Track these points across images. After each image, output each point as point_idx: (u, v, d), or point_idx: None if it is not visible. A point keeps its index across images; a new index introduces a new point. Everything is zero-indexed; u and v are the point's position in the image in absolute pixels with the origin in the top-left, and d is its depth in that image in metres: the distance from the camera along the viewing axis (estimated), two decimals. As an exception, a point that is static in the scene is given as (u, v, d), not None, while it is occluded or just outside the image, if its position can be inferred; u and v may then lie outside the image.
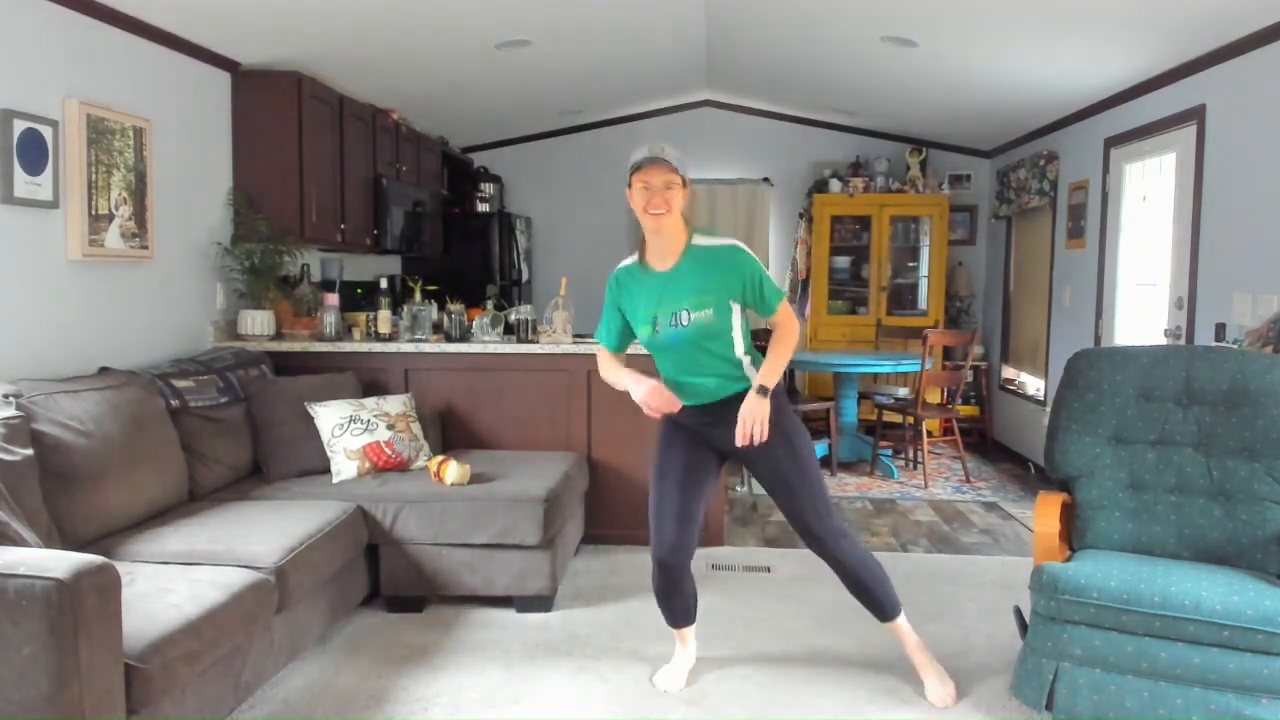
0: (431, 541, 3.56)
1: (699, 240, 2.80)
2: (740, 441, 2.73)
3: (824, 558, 2.95)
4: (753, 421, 2.71)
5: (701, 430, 2.91)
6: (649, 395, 2.75)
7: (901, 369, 6.21)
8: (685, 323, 2.75)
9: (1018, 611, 2.97)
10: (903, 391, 6.79)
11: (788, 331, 2.83)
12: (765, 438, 2.73)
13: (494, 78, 5.68)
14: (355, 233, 5.20)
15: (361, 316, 4.69)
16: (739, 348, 2.83)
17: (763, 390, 2.74)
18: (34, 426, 2.82)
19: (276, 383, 4.04)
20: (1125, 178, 5.30)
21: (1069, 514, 3.07)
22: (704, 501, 2.93)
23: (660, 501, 2.88)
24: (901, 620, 3.03)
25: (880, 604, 2.99)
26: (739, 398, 2.80)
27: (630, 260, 2.91)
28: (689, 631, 3.10)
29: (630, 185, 2.74)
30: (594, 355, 4.34)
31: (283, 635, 2.93)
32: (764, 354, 2.85)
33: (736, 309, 2.80)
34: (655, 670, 3.14)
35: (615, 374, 2.91)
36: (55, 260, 3.38)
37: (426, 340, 4.45)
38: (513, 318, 4.56)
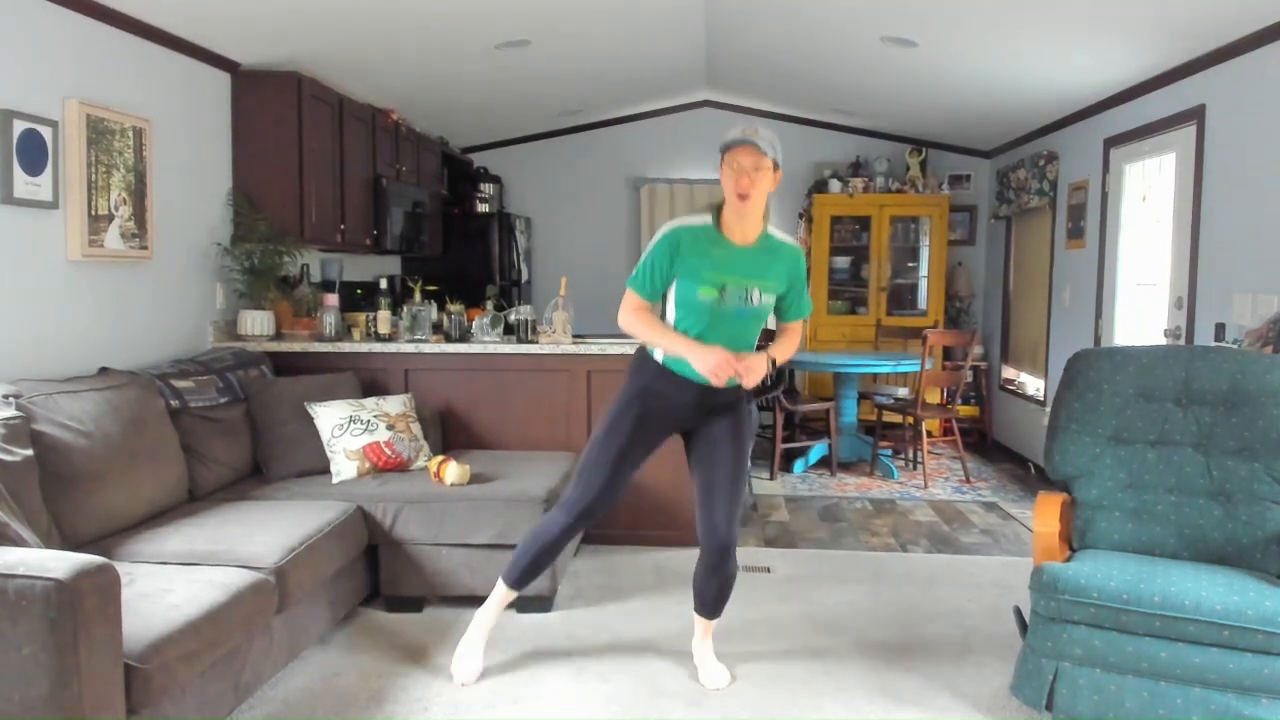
0: (431, 541, 3.56)
1: (772, 231, 2.89)
2: (722, 372, 2.72)
3: (708, 547, 2.93)
4: (748, 369, 2.74)
5: (676, 409, 2.91)
6: (721, 363, 2.71)
7: (901, 369, 6.21)
8: (755, 302, 2.81)
9: (1018, 611, 2.97)
10: (903, 391, 6.79)
11: (796, 337, 3.01)
12: (748, 386, 2.80)
13: (494, 78, 5.68)
14: (355, 233, 5.20)
15: (361, 317, 4.69)
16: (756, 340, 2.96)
17: (772, 362, 2.83)
18: (34, 427, 2.82)
19: (276, 383, 4.04)
20: (1125, 178, 5.30)
21: (1069, 514, 3.07)
22: (635, 473, 3.00)
23: (603, 455, 2.90)
24: (714, 623, 3.13)
25: (719, 607, 3.06)
26: (736, 386, 2.87)
27: (699, 220, 2.85)
28: (510, 596, 3.11)
29: (722, 162, 2.77)
30: (594, 355, 4.38)
31: (283, 635, 2.93)
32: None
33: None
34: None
35: (661, 335, 2.83)
36: (55, 260, 3.38)
37: (426, 340, 4.46)
38: (513, 318, 4.56)
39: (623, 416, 2.91)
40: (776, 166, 2.76)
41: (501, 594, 3.12)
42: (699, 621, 3.12)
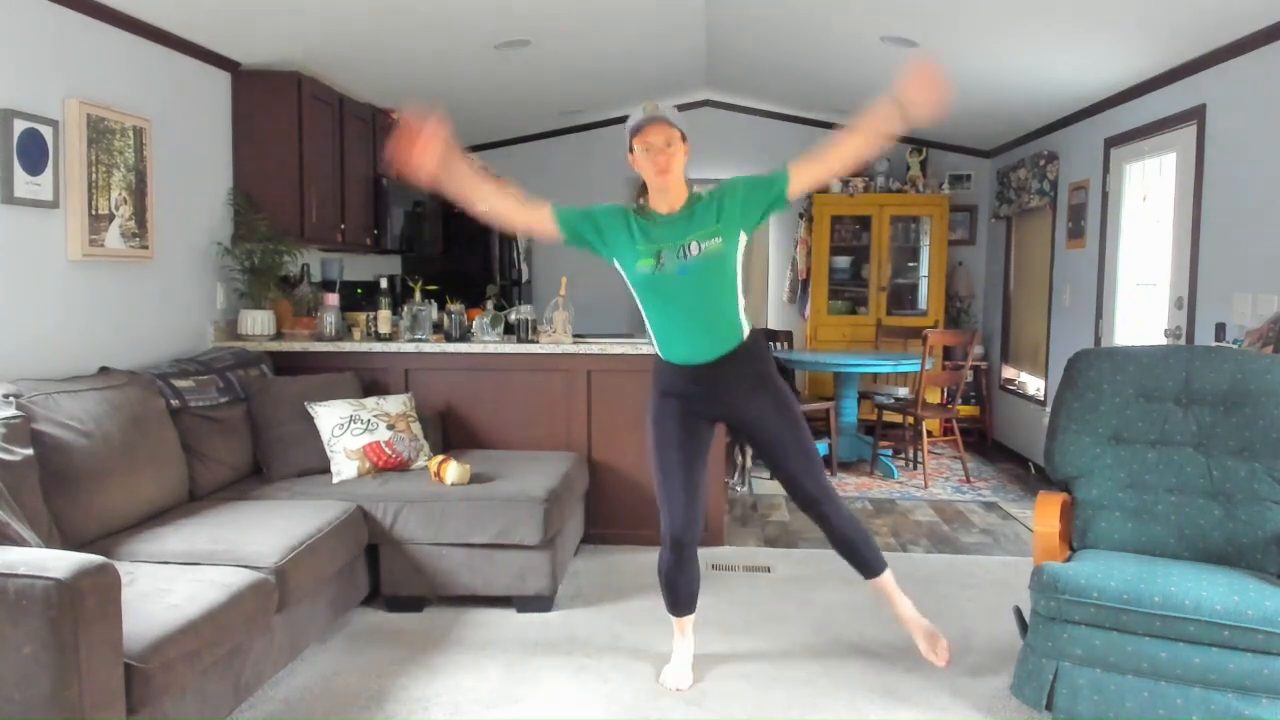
0: (431, 541, 3.56)
1: (698, 190, 2.86)
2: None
3: (814, 517, 2.98)
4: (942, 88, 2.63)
5: (694, 399, 2.90)
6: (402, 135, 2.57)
7: (901, 369, 6.21)
8: (695, 253, 2.75)
9: (1018, 611, 2.97)
10: (903, 391, 6.79)
11: (822, 149, 2.81)
12: (923, 104, 2.69)
13: (494, 78, 5.68)
14: (355, 233, 5.20)
15: (361, 316, 4.69)
16: (740, 304, 2.85)
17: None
18: (34, 426, 2.82)
19: (276, 383, 4.04)
20: (1125, 178, 5.30)
21: (1069, 514, 3.07)
22: (706, 470, 2.97)
23: (667, 478, 2.89)
24: (887, 576, 3.07)
25: (867, 560, 3.04)
26: (731, 358, 2.83)
27: (624, 206, 2.88)
28: (689, 621, 3.11)
29: (631, 149, 2.77)
30: (594, 355, 4.38)
31: (283, 635, 2.93)
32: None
33: (741, 245, 2.80)
34: (657, 669, 3.14)
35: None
36: (55, 260, 3.38)
37: (426, 340, 4.46)
38: (513, 318, 4.56)
39: (659, 426, 2.94)
40: (684, 137, 2.78)
41: (676, 623, 3.12)
42: (878, 590, 3.11)
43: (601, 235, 2.85)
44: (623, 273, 2.87)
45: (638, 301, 2.89)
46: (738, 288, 2.84)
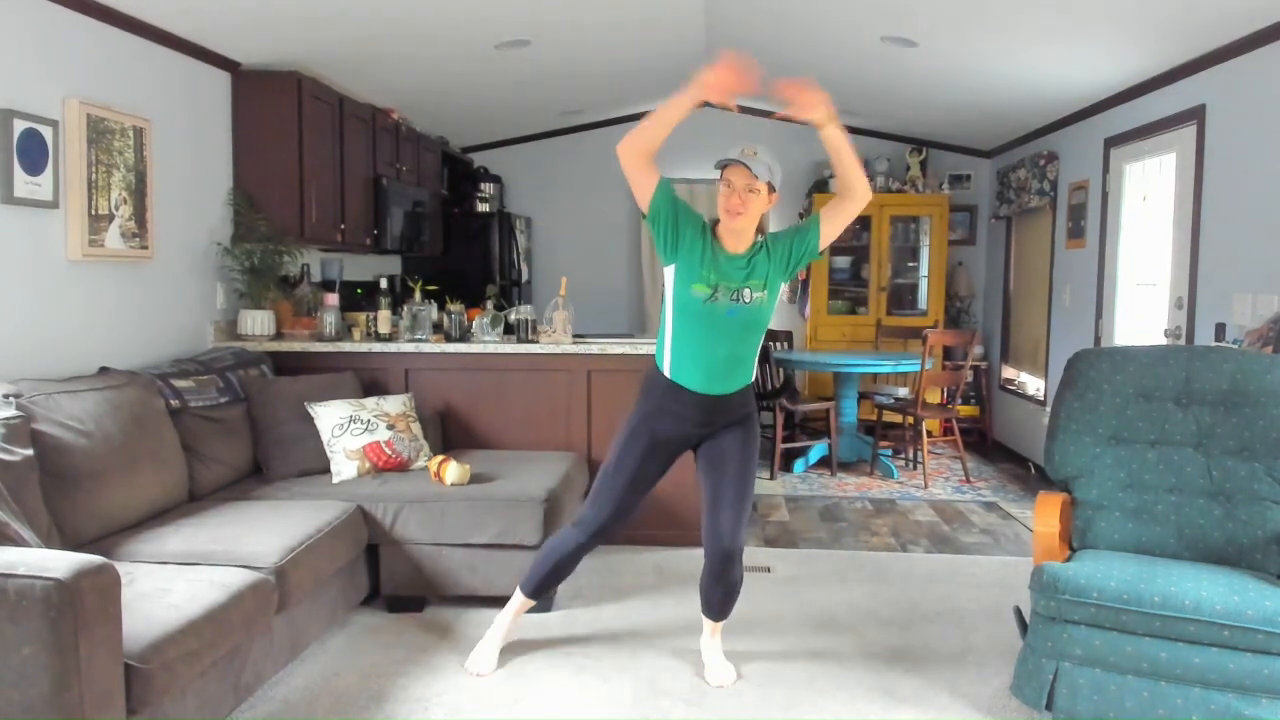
0: (431, 541, 3.56)
1: (764, 239, 2.90)
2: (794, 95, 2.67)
3: (714, 555, 2.94)
4: (816, 95, 2.69)
5: (687, 423, 2.93)
6: (718, 69, 2.60)
7: (901, 369, 6.21)
8: (748, 300, 2.81)
9: (1018, 611, 2.97)
10: (903, 391, 6.79)
11: (841, 189, 2.87)
12: (804, 108, 2.71)
13: (494, 78, 5.68)
14: (355, 233, 5.19)
15: (361, 316, 4.69)
16: (758, 351, 2.96)
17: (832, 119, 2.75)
18: (34, 426, 2.82)
19: (276, 383, 4.04)
20: (1125, 178, 5.30)
21: (1069, 514, 3.07)
22: (648, 494, 3.05)
23: (616, 477, 2.98)
24: (721, 625, 3.15)
25: (725, 610, 3.10)
26: (735, 395, 2.92)
27: (700, 215, 2.91)
28: (525, 605, 3.21)
29: (720, 177, 2.82)
30: (594, 355, 4.38)
31: (283, 635, 2.93)
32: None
33: (779, 296, 2.90)
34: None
35: (659, 111, 2.71)
36: (55, 260, 3.38)
37: (426, 340, 4.45)
38: (513, 318, 4.56)
39: (632, 444, 2.96)
40: (772, 189, 2.81)
41: (519, 602, 3.20)
42: (707, 623, 3.15)
43: (679, 231, 2.83)
44: (670, 284, 2.88)
45: (669, 316, 2.89)
46: (762, 338, 2.95)
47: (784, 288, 2.98)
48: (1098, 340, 5.51)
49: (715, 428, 2.95)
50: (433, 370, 4.46)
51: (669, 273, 2.87)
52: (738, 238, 2.84)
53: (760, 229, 2.89)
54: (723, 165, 2.79)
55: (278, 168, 4.55)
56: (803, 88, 2.68)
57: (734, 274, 2.82)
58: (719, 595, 3.04)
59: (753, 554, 4.43)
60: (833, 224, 2.86)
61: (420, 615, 3.62)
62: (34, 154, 3.20)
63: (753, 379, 2.99)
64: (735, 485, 2.92)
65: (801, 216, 7.73)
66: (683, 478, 4.28)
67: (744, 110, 7.63)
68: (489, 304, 4.77)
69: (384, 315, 4.51)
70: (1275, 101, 3.85)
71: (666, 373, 2.92)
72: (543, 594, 3.21)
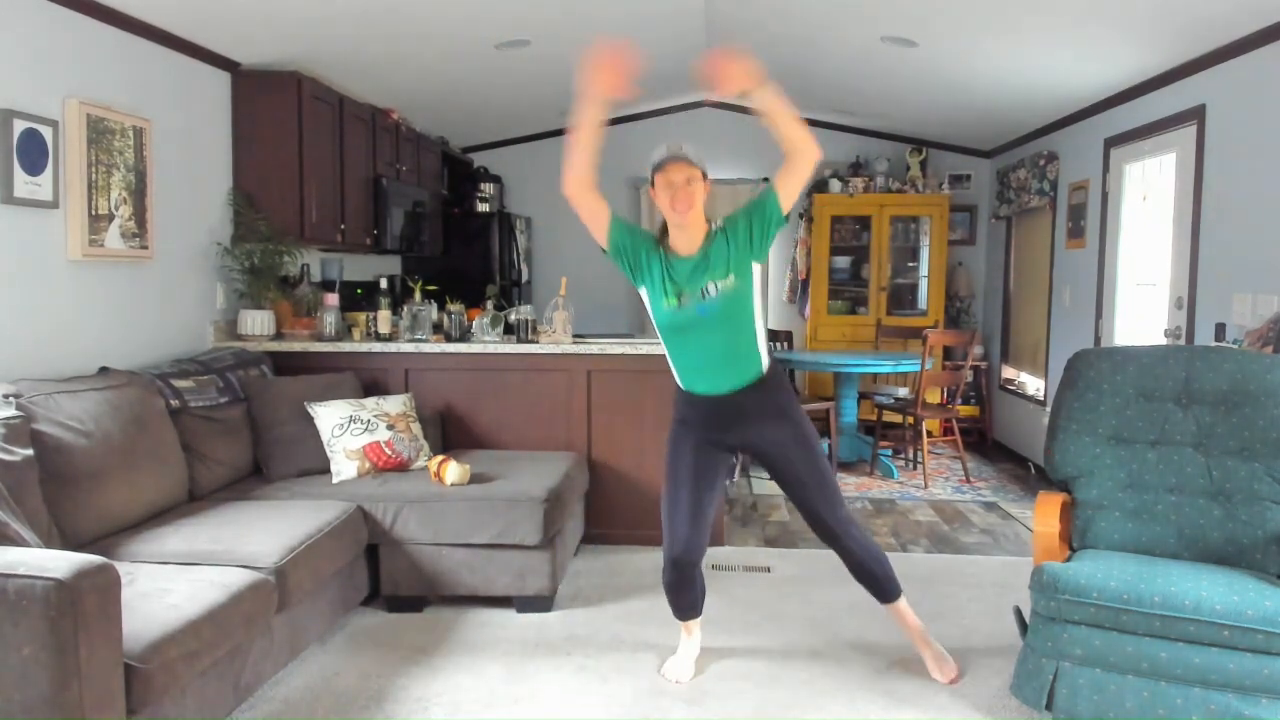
0: (431, 541, 3.56)
1: (713, 226, 2.89)
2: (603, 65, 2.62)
3: (834, 547, 3.04)
4: (736, 64, 2.59)
5: (712, 428, 2.94)
6: (589, 68, 2.61)
7: (901, 369, 6.21)
8: (714, 293, 2.80)
9: (1018, 611, 2.97)
10: (903, 391, 6.79)
11: (787, 155, 2.80)
12: (724, 82, 2.63)
13: (494, 77, 5.68)
14: (355, 233, 5.20)
15: (361, 316, 4.69)
16: (760, 337, 2.90)
17: (761, 84, 2.66)
18: (34, 426, 2.82)
19: (276, 383, 4.04)
20: (1125, 178, 5.30)
21: (1069, 514, 3.07)
22: (715, 499, 3.00)
23: (672, 501, 2.94)
24: (902, 603, 3.13)
25: (884, 587, 3.09)
26: (751, 390, 2.88)
27: (647, 234, 2.92)
28: (695, 623, 3.17)
29: (653, 184, 2.82)
30: (594, 355, 4.38)
31: (283, 635, 2.93)
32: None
33: (757, 276, 2.86)
34: (659, 664, 3.15)
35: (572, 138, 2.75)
36: (55, 260, 3.38)
37: (426, 340, 4.45)
38: (513, 318, 4.56)
39: (675, 453, 2.98)
40: (705, 175, 2.83)
41: (682, 625, 3.18)
42: (893, 616, 3.17)
43: (638, 257, 2.89)
44: (648, 306, 2.92)
45: (658, 333, 2.95)
46: (756, 321, 2.88)
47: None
48: (1098, 340, 5.51)
49: (750, 426, 2.92)
50: (433, 370, 4.46)
51: (643, 294, 2.92)
52: (690, 235, 2.84)
53: (708, 218, 2.89)
54: (657, 168, 2.80)
55: (278, 168, 4.55)
56: (721, 60, 2.62)
57: (692, 277, 2.83)
58: (865, 573, 3.05)
59: (753, 554, 4.43)
60: (787, 188, 2.82)
61: (420, 615, 3.62)
62: (34, 154, 3.20)
63: (764, 367, 2.91)
64: (814, 485, 2.94)
65: (801, 216, 7.74)
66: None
67: (744, 111, 7.64)
68: (489, 304, 4.77)
69: (384, 315, 4.51)
70: (1275, 101, 3.85)
71: (679, 384, 2.98)
72: (685, 617, 3.13)
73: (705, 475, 2.95)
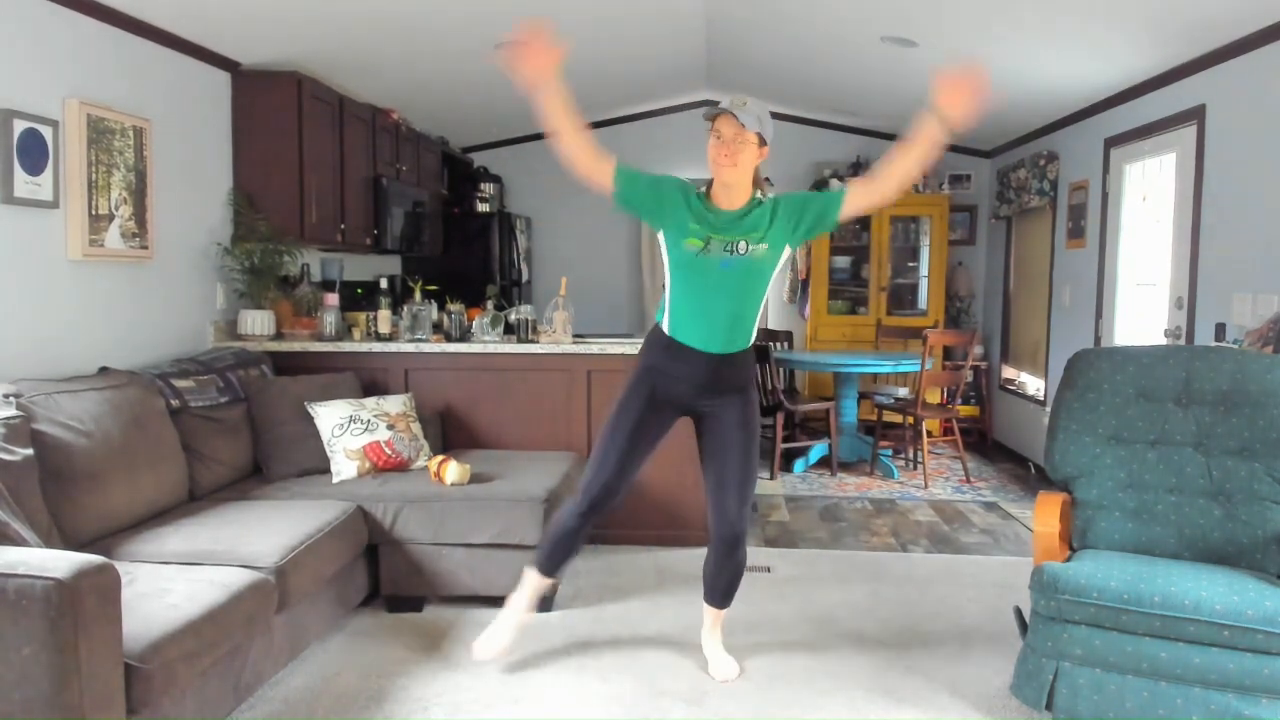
0: (431, 541, 3.56)
1: (759, 197, 2.87)
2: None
3: (719, 539, 2.99)
4: (979, 93, 2.65)
5: (682, 382, 2.91)
6: (510, 52, 2.66)
7: (901, 369, 6.21)
8: (743, 251, 2.78)
9: (1018, 611, 2.97)
10: (903, 391, 6.79)
11: (877, 171, 2.80)
12: (964, 105, 2.69)
13: (494, 78, 5.67)
14: (355, 233, 5.20)
15: (361, 316, 4.69)
16: (759, 311, 2.93)
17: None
18: (34, 426, 2.82)
19: (276, 383, 4.04)
20: (1125, 178, 5.30)
21: (1069, 514, 3.07)
22: (648, 455, 3.00)
23: (612, 442, 2.93)
24: (724, 614, 3.18)
25: (726, 595, 3.12)
26: (730, 359, 2.88)
27: (693, 186, 2.90)
28: (544, 585, 3.18)
29: (710, 130, 2.80)
30: (594, 355, 4.38)
31: (283, 635, 2.93)
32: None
33: (784, 258, 2.86)
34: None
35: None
36: (55, 260, 3.38)
37: (426, 340, 4.46)
38: (513, 318, 4.56)
39: (631, 396, 2.95)
40: (763, 141, 2.79)
41: (532, 580, 3.16)
42: (708, 612, 3.17)
43: (660, 202, 2.85)
44: (664, 245, 2.88)
45: (667, 274, 2.92)
46: (764, 297, 2.90)
47: (784, 287, 2.99)
48: (1098, 340, 5.51)
49: (713, 393, 2.92)
50: (433, 370, 4.46)
51: (661, 238, 2.89)
52: (730, 193, 2.82)
53: (758, 185, 2.87)
54: (711, 117, 2.78)
55: (278, 168, 4.55)
56: (973, 80, 2.68)
57: (727, 226, 2.80)
58: (724, 580, 3.06)
59: (753, 554, 4.40)
60: (857, 203, 2.81)
61: (420, 615, 3.62)
62: (34, 154, 3.20)
63: (751, 344, 2.95)
64: (739, 468, 2.93)
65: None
66: (683, 477, 4.31)
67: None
68: (489, 304, 4.77)
69: (384, 315, 4.51)
70: (1275, 101, 3.85)
71: (666, 330, 2.92)
72: (552, 571, 3.13)
73: (649, 428, 2.94)
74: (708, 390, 2.92)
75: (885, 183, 2.78)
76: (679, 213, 2.82)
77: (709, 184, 2.88)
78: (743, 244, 2.78)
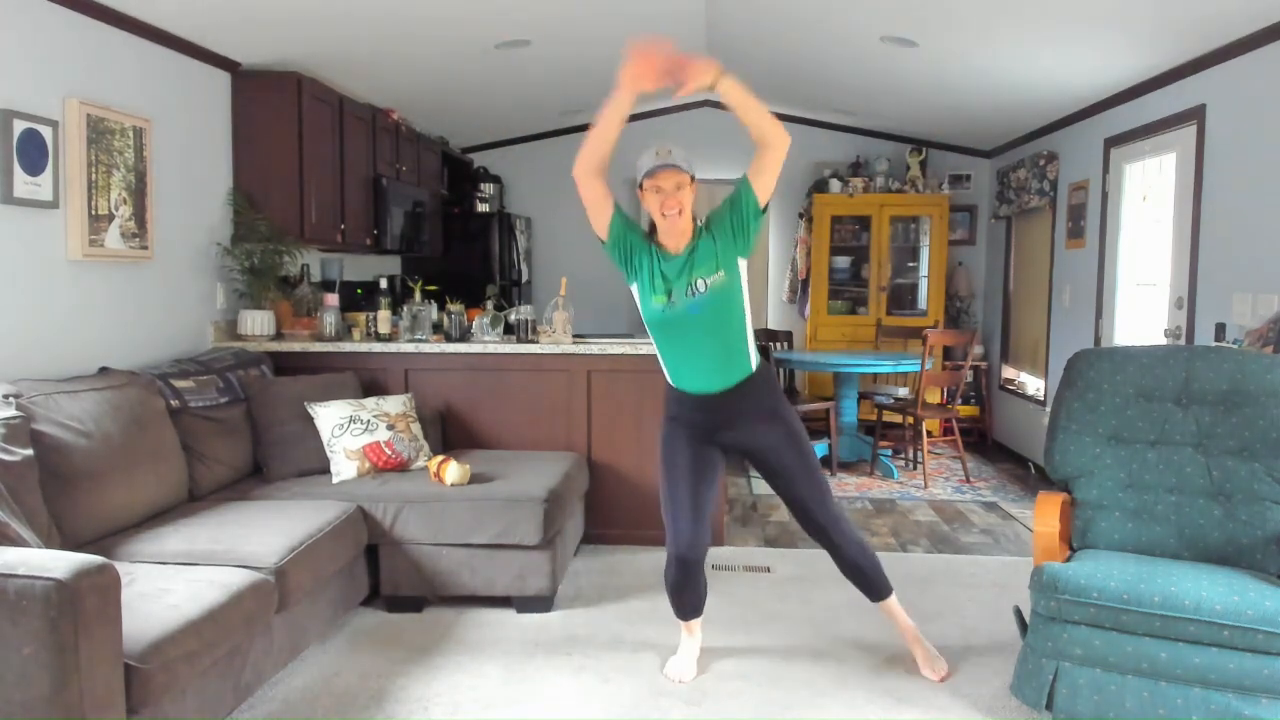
0: (431, 541, 3.56)
1: (699, 223, 2.91)
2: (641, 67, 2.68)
3: (823, 544, 3.06)
4: (698, 62, 2.65)
5: (702, 426, 2.95)
6: (635, 55, 2.69)
7: (901, 369, 6.21)
8: (702, 289, 2.82)
9: (1018, 611, 2.97)
10: (903, 391, 6.79)
11: (759, 145, 2.81)
12: (696, 77, 2.69)
13: (494, 78, 5.68)
14: (355, 233, 5.20)
15: (361, 316, 4.69)
16: (749, 337, 2.93)
17: (722, 76, 2.72)
18: (34, 426, 2.82)
19: (276, 383, 4.04)
20: (1125, 178, 5.30)
21: (1069, 514, 3.07)
22: (713, 494, 3.00)
23: (672, 499, 2.95)
24: (893, 601, 3.15)
25: (874, 585, 3.12)
26: (740, 390, 2.89)
27: (640, 230, 2.95)
28: (696, 622, 3.17)
29: (641, 188, 2.86)
30: (594, 355, 4.38)
31: (283, 635, 2.93)
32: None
33: (743, 271, 2.87)
34: (657, 670, 3.15)
35: (601, 117, 2.83)
36: (55, 260, 3.38)
37: (426, 340, 4.46)
38: (513, 318, 4.56)
39: (667, 449, 2.99)
40: (693, 179, 2.85)
41: (684, 625, 3.18)
42: (885, 614, 3.19)
43: (633, 260, 2.92)
44: (638, 302, 2.95)
45: (649, 332, 2.97)
46: (746, 320, 2.91)
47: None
48: (1098, 340, 5.51)
49: (740, 426, 2.93)
50: (433, 370, 4.46)
51: (633, 291, 2.94)
52: (678, 236, 2.87)
53: (694, 217, 2.91)
54: (648, 174, 2.83)
55: (278, 168, 4.55)
56: (683, 61, 2.69)
57: (681, 273, 2.84)
58: (855, 570, 3.07)
59: (753, 554, 4.43)
60: (760, 177, 2.82)
61: (420, 615, 3.62)
62: (34, 154, 3.20)
63: (754, 367, 2.93)
64: (804, 481, 2.96)
65: (801, 216, 7.74)
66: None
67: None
68: (489, 304, 4.77)
69: (384, 315, 4.51)
70: (1275, 101, 3.85)
71: (669, 381, 2.99)
72: (688, 616, 3.13)
73: (702, 470, 2.96)
74: (731, 423, 2.94)
75: (761, 146, 2.79)
76: (644, 269, 2.89)
77: (651, 230, 2.93)
78: (700, 283, 2.82)
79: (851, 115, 7.24)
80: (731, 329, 2.87)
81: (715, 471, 3.00)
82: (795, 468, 2.95)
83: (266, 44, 4.34)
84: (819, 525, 3.00)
